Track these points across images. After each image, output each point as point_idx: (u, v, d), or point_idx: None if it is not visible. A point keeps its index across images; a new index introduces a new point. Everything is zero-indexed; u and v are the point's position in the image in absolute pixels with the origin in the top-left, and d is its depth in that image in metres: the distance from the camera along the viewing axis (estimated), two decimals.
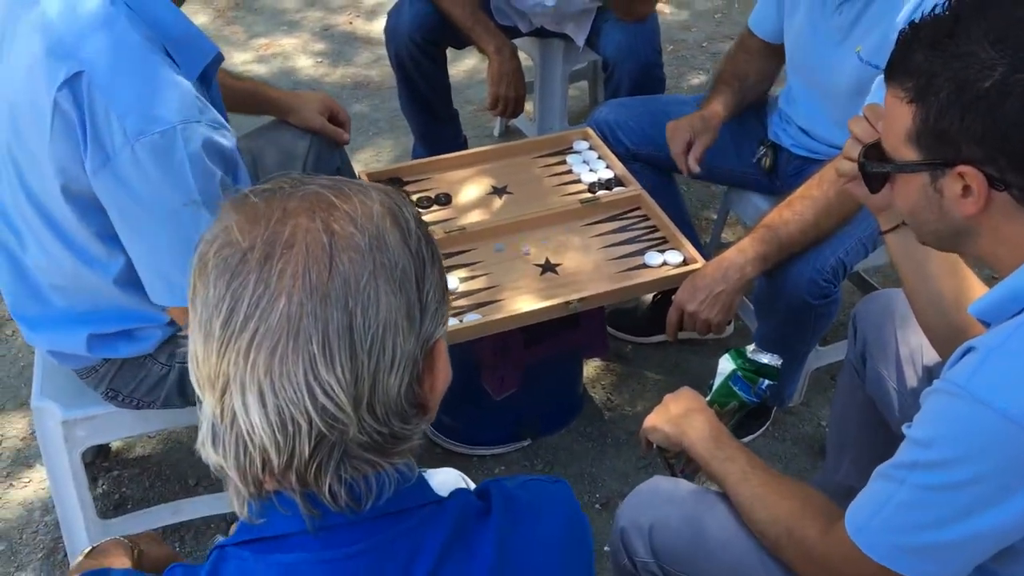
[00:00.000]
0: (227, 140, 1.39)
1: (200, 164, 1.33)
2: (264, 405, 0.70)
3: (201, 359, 0.73)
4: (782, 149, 2.10)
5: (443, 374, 0.80)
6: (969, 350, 1.01)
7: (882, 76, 1.72)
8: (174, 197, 1.34)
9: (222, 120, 1.41)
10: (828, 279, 1.78)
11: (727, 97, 2.04)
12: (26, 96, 1.37)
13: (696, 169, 1.98)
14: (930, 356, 1.46)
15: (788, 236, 1.76)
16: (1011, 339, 0.99)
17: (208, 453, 0.74)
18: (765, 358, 1.51)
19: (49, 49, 1.34)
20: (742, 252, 1.78)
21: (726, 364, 1.52)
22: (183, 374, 1.62)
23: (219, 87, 1.72)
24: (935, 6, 1.07)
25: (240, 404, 0.71)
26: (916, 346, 1.50)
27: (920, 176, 1.08)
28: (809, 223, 1.74)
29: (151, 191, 1.34)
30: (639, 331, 2.39)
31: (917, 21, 1.07)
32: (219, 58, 1.51)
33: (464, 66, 3.46)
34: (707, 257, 1.93)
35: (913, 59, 1.05)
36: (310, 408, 0.70)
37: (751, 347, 1.53)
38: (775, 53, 2.10)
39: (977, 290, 1.29)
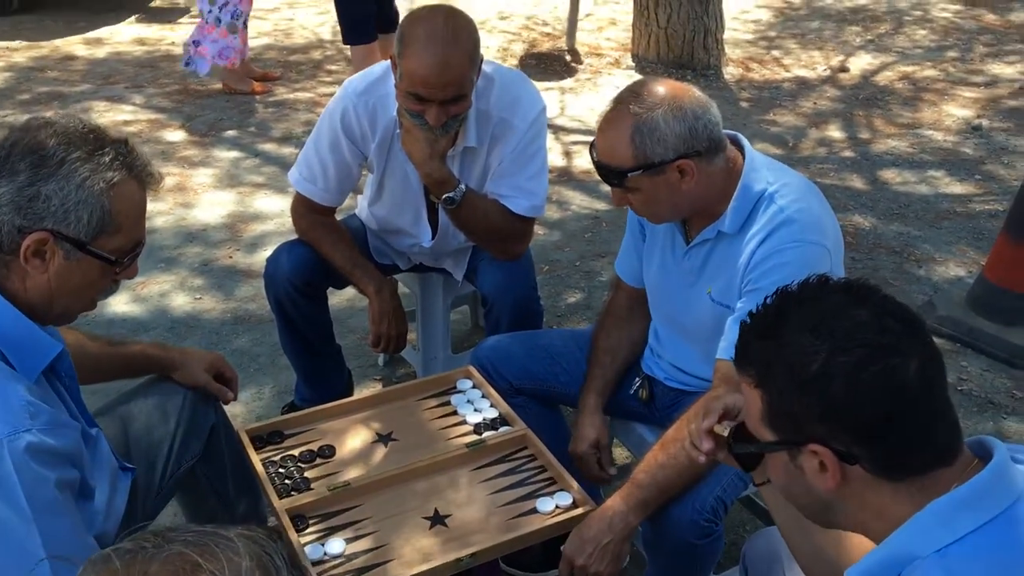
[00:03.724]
0: (65, 439, 1.37)
1: (29, 473, 1.31)
2: None
3: None
4: (657, 382, 2.17)
5: None
6: None
7: (734, 316, 1.86)
8: (2, 511, 1.30)
9: (60, 418, 1.39)
10: (709, 518, 1.81)
11: (599, 383, 2.15)
12: None
13: (613, 472, 2.14)
14: None
15: (666, 480, 1.79)
16: None
17: None
18: None
19: None
20: (625, 500, 1.80)
21: None
22: None
23: (86, 363, 1.71)
24: (766, 297, 1.16)
25: None
26: None
27: (781, 455, 1.13)
28: (684, 466, 1.77)
29: None
30: (535, 566, 2.33)
31: (753, 312, 1.16)
32: (62, 354, 1.50)
33: (345, 295, 3.48)
34: (595, 493, 1.93)
35: (751, 348, 1.13)
36: None
37: None
38: (643, 302, 2.19)
39: (856, 541, 1.32)
